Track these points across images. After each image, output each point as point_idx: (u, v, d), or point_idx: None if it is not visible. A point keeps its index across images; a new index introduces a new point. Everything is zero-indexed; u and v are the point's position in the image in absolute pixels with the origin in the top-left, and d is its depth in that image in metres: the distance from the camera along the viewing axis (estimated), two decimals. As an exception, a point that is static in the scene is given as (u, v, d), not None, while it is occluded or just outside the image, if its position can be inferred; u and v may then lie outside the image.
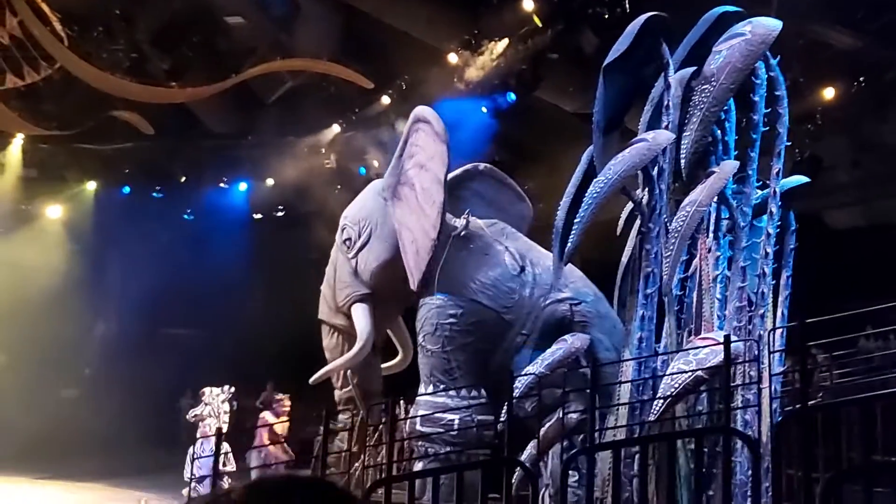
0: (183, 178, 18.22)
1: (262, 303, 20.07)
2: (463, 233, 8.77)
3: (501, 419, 7.36)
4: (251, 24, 13.60)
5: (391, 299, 9.31)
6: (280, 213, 19.12)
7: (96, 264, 19.12)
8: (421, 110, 8.99)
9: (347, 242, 9.22)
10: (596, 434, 6.57)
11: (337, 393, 9.48)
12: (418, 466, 8.23)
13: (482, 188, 9.60)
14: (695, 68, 7.14)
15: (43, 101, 15.62)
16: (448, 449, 8.15)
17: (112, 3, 13.12)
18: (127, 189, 18.72)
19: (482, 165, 9.90)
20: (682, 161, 6.96)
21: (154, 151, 17.34)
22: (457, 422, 8.20)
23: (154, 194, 18.58)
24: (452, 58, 12.98)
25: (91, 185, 18.68)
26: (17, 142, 17.01)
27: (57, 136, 15.94)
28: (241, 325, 19.60)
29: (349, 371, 9.07)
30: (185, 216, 19.54)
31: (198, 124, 16.35)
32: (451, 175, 8.92)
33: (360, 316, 8.89)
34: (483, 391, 8.37)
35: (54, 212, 18.99)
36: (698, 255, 7.20)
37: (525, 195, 10.09)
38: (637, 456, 6.48)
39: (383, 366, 9.76)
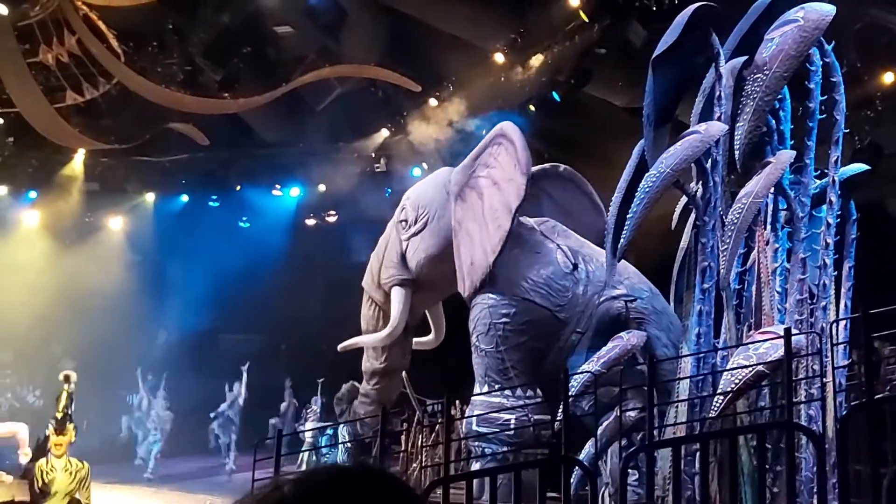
0: (238, 187, 18.58)
1: (317, 306, 20.32)
2: (512, 232, 8.75)
3: (558, 418, 7.34)
4: (299, 33, 13.78)
5: (432, 289, 9.36)
6: (332, 218, 19.34)
7: (157, 273, 19.62)
8: (508, 127, 8.92)
9: (403, 223, 9.23)
10: (655, 431, 6.49)
11: (365, 364, 9.57)
12: (475, 466, 8.25)
13: (556, 190, 9.53)
14: (746, 57, 7.02)
15: (102, 116, 16.11)
16: (505, 448, 8.15)
17: (165, 18, 13.44)
18: (184, 198, 19.17)
19: (563, 167, 9.78)
20: (737, 152, 6.84)
21: (209, 161, 17.71)
22: (513, 421, 8.19)
23: (210, 203, 18.97)
24: (498, 57, 12.96)
25: (150, 196, 19.18)
26: (79, 156, 17.59)
27: (116, 149, 16.42)
28: (297, 329, 19.89)
29: (380, 347, 9.20)
30: (241, 223, 19.91)
31: (250, 133, 16.66)
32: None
33: (398, 300, 8.97)
34: (538, 390, 8.34)
35: (116, 223, 19.56)
36: (756, 248, 7.06)
37: (603, 208, 9.80)
38: (698, 453, 6.38)
39: (415, 341, 9.80)
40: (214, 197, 18.91)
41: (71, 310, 17.72)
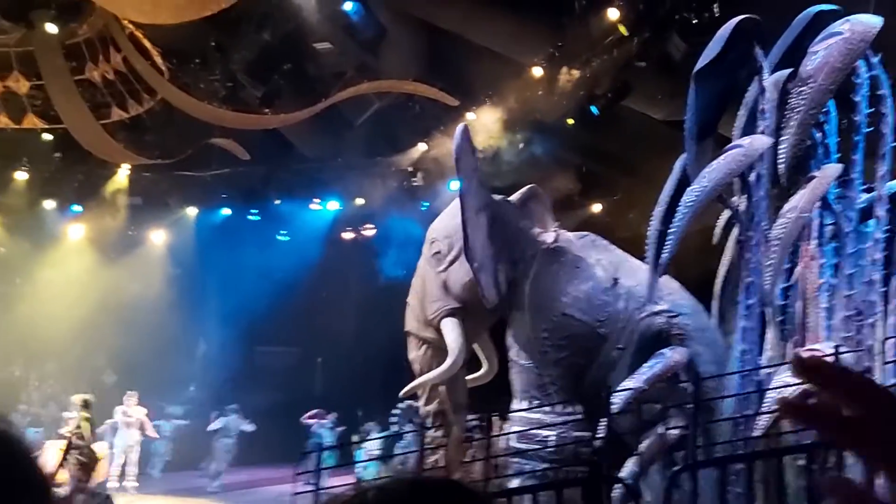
0: (277, 201, 18.82)
1: (353, 320, 20.43)
2: (552, 246, 8.70)
3: (599, 435, 7.26)
4: (339, 49, 13.94)
5: (480, 314, 9.29)
6: (370, 231, 19.47)
7: (197, 285, 19.90)
8: (456, 131, 8.95)
9: (437, 256, 9.19)
10: (698, 450, 6.38)
11: (423, 407, 9.50)
12: (514, 483, 8.18)
13: (536, 207, 9.48)
14: (791, 70, 6.92)
15: (146, 132, 16.45)
16: (544, 466, 8.07)
17: (208, 35, 13.69)
18: (225, 212, 19.46)
19: (537, 188, 9.78)
20: (781, 166, 6.74)
21: (249, 176, 17.96)
22: (553, 438, 8.10)
23: (250, 216, 19.23)
24: (537, 71, 12.96)
25: (192, 210, 19.50)
26: (123, 171, 17.97)
27: (159, 164, 16.74)
28: (333, 342, 20.02)
29: (439, 385, 9.09)
30: (280, 236, 20.13)
31: (290, 148, 16.87)
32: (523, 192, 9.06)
33: (451, 330, 8.88)
34: (579, 406, 8.26)
35: (158, 237, 19.92)
36: (801, 264, 6.93)
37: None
38: (743, 473, 6.26)
39: (468, 378, 9.72)
40: (254, 211, 19.17)
41: (114, 321, 18.04)
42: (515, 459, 8.25)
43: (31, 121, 16.26)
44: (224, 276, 19.90)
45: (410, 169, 16.88)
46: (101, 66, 15.28)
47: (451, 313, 8.94)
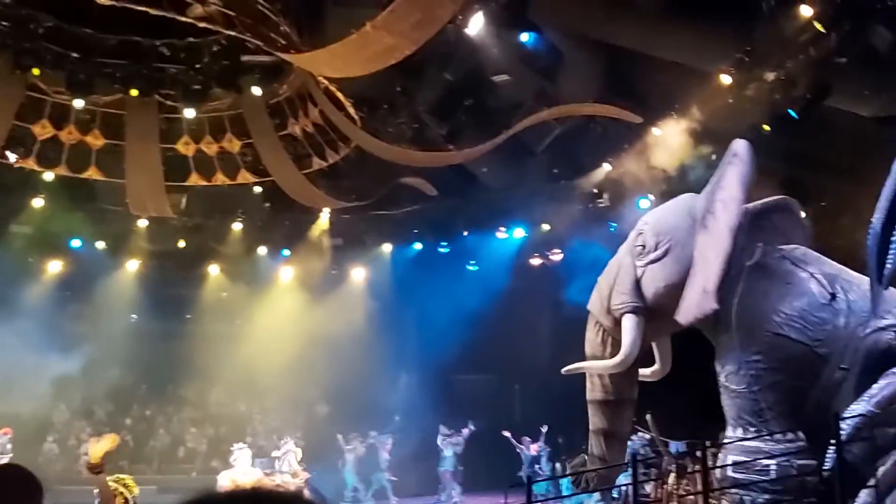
0: (465, 232, 19.30)
1: (545, 346, 20.37)
2: (757, 261, 8.20)
3: (826, 464, 6.71)
4: (516, 79, 14.13)
5: (665, 321, 8.91)
6: (557, 256, 19.43)
7: (395, 318, 20.75)
8: (737, 145, 8.45)
9: (640, 249, 8.87)
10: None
11: (590, 394, 9.22)
12: (733, 515, 7.75)
13: (781, 221, 8.85)
14: None
15: (342, 177, 17.56)
16: (766, 497, 7.57)
17: (394, 81, 14.41)
18: (417, 247, 20.24)
19: (789, 199, 9.13)
20: None
21: (438, 210, 18.61)
22: (774, 467, 7.58)
23: (440, 249, 19.86)
24: (725, 79, 12.42)
25: (387, 247, 20.48)
26: (325, 215, 19.26)
27: (357, 206, 17.78)
28: (528, 369, 20.04)
29: (606, 375, 8.85)
30: (469, 266, 20.57)
31: (474, 180, 17.28)
32: (759, 203, 8.47)
33: (630, 328, 8.59)
34: (800, 433, 7.68)
35: (358, 273, 21.07)
36: None
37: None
38: None
39: (641, 371, 9.33)
40: (444, 243, 19.78)
41: (323, 356, 19.20)
42: (734, 491, 7.80)
43: (244, 176, 17.92)
44: (419, 307, 20.63)
45: (595, 191, 16.69)
46: (300, 120, 16.58)
47: (634, 311, 8.63)
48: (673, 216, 8.80)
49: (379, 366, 19.34)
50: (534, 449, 16.27)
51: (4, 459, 11.16)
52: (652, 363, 9.44)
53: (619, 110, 13.67)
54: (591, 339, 9.14)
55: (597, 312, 9.08)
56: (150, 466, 20.79)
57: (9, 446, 11.95)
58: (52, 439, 19.78)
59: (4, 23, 14.21)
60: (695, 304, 8.05)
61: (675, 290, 8.47)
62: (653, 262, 8.64)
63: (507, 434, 16.33)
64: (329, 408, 20.88)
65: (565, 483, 13.63)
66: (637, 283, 8.69)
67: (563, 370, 9.26)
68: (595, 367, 8.87)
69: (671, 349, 9.37)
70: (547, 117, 14.36)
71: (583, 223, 17.25)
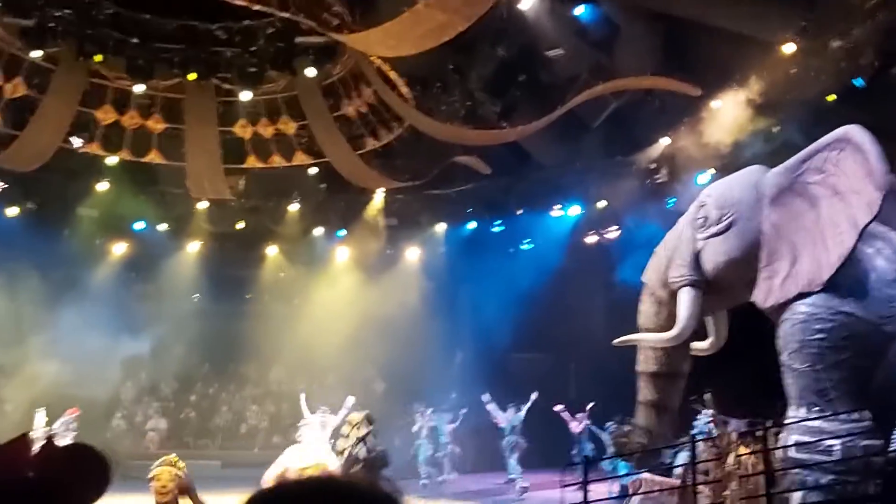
0: (519, 210, 19.16)
1: (601, 324, 20.17)
2: (823, 238, 7.93)
3: (893, 444, 6.51)
4: (571, 53, 13.91)
5: (723, 296, 8.71)
6: (613, 234, 19.16)
7: (450, 297, 20.81)
8: (856, 132, 7.99)
9: (702, 220, 8.67)
10: None
11: (641, 366, 9.10)
12: (796, 497, 7.57)
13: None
14: None
15: (396, 157, 17.64)
16: (830, 478, 7.38)
17: (447, 60, 14.34)
18: (471, 226, 20.20)
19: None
20: None
21: (492, 189, 18.52)
22: (838, 447, 7.37)
23: (494, 228, 19.78)
24: (788, 48, 12.00)
25: (441, 227, 20.49)
26: (379, 195, 19.36)
27: (410, 186, 17.83)
28: (583, 348, 19.90)
29: (659, 348, 8.70)
30: (524, 245, 20.45)
31: (529, 158, 17.13)
32: None
33: (686, 302, 8.42)
34: (866, 413, 7.45)
35: (412, 253, 21.16)
36: None
37: None
38: None
39: (693, 345, 9.15)
40: (498, 222, 19.69)
41: (378, 334, 19.40)
42: (797, 471, 7.62)
43: (300, 157, 18.15)
44: (474, 286, 20.63)
45: (653, 166, 16.36)
46: (354, 101, 16.68)
47: (693, 283, 8.47)
48: (738, 189, 8.56)
49: (434, 344, 19.44)
50: (574, 426, 16.13)
51: (69, 438, 11.58)
52: (705, 337, 9.28)
53: (678, 83, 13.36)
54: (646, 310, 9.01)
55: (653, 284, 8.94)
56: (214, 442, 21.41)
57: (73, 425, 12.41)
58: (121, 416, 20.52)
59: (67, 10, 14.59)
60: (780, 291, 7.83)
61: (735, 265, 8.29)
62: (714, 235, 8.45)
63: (559, 408, 16.24)
64: (385, 385, 21.13)
65: (621, 463, 13.50)
66: (696, 257, 8.52)
67: (616, 342, 9.17)
68: (649, 340, 8.75)
69: (727, 323, 9.19)
70: (602, 91, 14.12)
71: (640, 200, 16.95)
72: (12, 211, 18.26)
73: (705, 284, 8.46)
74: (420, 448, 17.12)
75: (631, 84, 13.98)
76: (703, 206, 8.63)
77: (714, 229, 8.43)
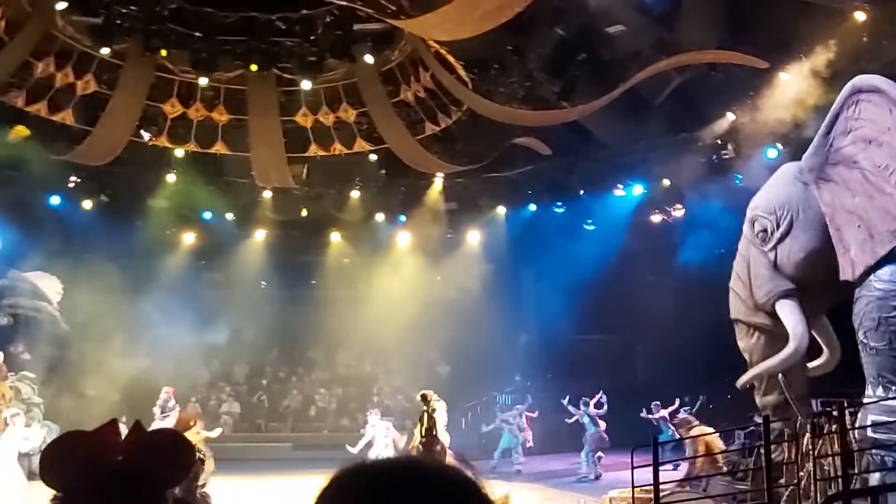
0: (581, 191, 18.94)
1: (668, 304, 19.86)
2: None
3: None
4: (632, 30, 13.62)
5: (818, 293, 8.47)
6: (679, 212, 18.79)
7: (512, 279, 20.80)
8: (865, 80, 7.89)
9: (762, 235, 8.55)
10: None
11: (759, 399, 8.90)
12: (874, 478, 7.35)
13: None
14: None
15: (455, 141, 17.61)
16: (911, 459, 7.15)
17: (504, 40, 14.20)
18: (532, 208, 20.07)
19: None
20: None
21: (552, 169, 18.33)
22: (920, 427, 7.15)
23: (556, 209, 19.60)
24: (859, 16, 11.51)
25: (501, 209, 20.43)
26: (439, 180, 19.40)
27: (470, 169, 17.80)
28: (650, 328, 19.64)
29: (780, 374, 8.45)
30: (586, 226, 20.24)
31: (590, 137, 16.87)
32: None
33: (789, 313, 8.21)
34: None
35: (473, 237, 21.17)
36: None
37: None
38: None
39: (809, 365, 8.90)
40: (559, 203, 19.50)
41: (441, 318, 19.53)
42: (875, 451, 7.40)
43: (360, 144, 18.31)
44: (536, 268, 20.56)
45: (719, 142, 15.95)
46: (412, 86, 16.72)
47: (785, 294, 8.29)
48: (782, 189, 8.45)
49: (497, 327, 19.46)
50: (657, 414, 15.98)
51: (170, 417, 12.09)
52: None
53: (743, 56, 12.95)
54: (749, 346, 8.80)
55: (744, 316, 8.78)
56: (285, 425, 21.95)
57: (171, 403, 12.88)
58: (195, 400, 21.17)
59: (133, 7, 14.99)
60: (860, 254, 7.59)
61: (816, 255, 8.13)
62: (781, 240, 8.34)
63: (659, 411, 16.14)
64: (450, 368, 21.29)
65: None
66: (774, 267, 8.37)
67: (738, 384, 8.94)
68: (769, 366, 8.46)
69: (832, 332, 8.90)
70: (665, 67, 13.77)
71: (705, 177, 16.56)
72: (87, 204, 18.95)
73: (797, 291, 8.29)
74: (503, 434, 17.24)
75: (694, 58, 13.61)
76: (754, 221, 8.57)
77: (778, 234, 8.31)
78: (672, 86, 14.56)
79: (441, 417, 12.35)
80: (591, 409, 15.87)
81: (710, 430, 11.06)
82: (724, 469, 10.43)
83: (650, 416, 16.02)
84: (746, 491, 9.44)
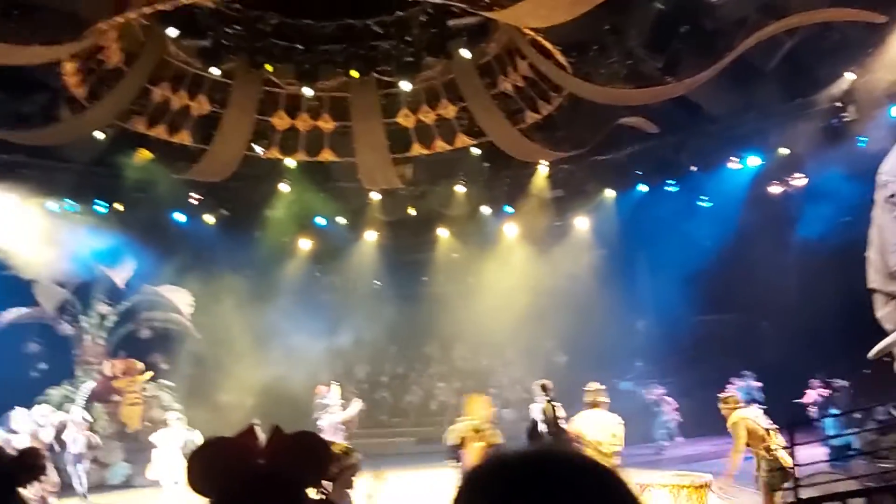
0: (692, 167, 18.29)
1: (793, 277, 18.92)
2: None
3: None
4: (736, -5, 13.05)
5: None
6: (800, 181, 17.84)
7: (625, 263, 20.35)
8: None
9: (893, 199, 8.08)
10: None
11: None
12: None
13: None
14: None
15: (557, 128, 17.39)
16: None
17: (602, 21, 13.89)
18: (642, 188, 19.56)
19: None
20: None
21: (661, 148, 17.80)
22: None
23: (667, 188, 19.02)
24: None
25: (609, 193, 20.01)
26: (543, 168, 19.22)
27: (574, 155, 17.53)
28: (776, 303, 18.79)
29: None
30: (701, 203, 19.55)
31: (698, 111, 16.28)
32: None
33: None
34: None
35: (582, 223, 20.86)
36: None
37: None
38: None
39: None
40: (671, 182, 18.90)
41: (555, 306, 19.37)
42: None
43: (462, 139, 18.41)
44: (650, 250, 20.02)
45: (839, 104, 15.05)
46: (510, 76, 16.63)
47: None
48: None
49: (613, 312, 19.09)
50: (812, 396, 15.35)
51: (331, 414, 12.93)
52: None
53: (859, 12, 12.15)
54: (887, 315, 8.37)
55: (879, 285, 8.37)
56: (408, 419, 22.39)
57: (325, 400, 13.66)
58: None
59: (237, 26, 15.62)
60: None
61: None
62: None
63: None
64: (567, 357, 21.08)
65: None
66: None
67: (869, 355, 8.56)
68: None
69: None
70: (775, 31, 13.10)
71: (825, 142, 15.66)
72: (210, 219, 19.92)
73: None
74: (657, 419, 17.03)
75: (806, 19, 12.87)
76: (885, 185, 8.09)
77: None
78: (783, 50, 13.87)
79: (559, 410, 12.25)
80: (753, 382, 15.53)
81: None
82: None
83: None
84: (892, 470, 8.89)
